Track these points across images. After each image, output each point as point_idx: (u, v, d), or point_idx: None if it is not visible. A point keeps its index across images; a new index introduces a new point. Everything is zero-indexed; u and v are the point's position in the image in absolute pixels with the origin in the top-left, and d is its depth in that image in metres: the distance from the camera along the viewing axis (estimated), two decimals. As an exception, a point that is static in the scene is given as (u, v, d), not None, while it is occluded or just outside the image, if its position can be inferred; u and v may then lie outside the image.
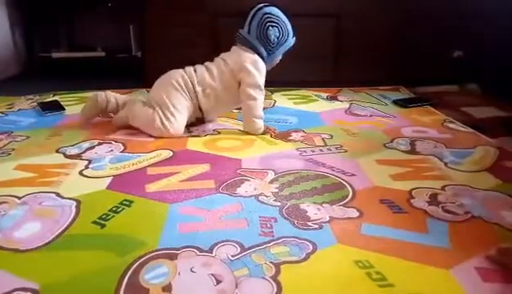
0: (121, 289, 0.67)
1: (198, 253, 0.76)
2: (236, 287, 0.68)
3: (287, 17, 1.42)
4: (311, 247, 0.78)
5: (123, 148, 1.27)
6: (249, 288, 0.68)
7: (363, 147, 1.29)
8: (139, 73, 2.06)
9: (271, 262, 0.74)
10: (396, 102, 1.79)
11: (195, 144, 1.32)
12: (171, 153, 1.23)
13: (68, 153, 1.23)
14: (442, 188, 1.03)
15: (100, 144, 1.30)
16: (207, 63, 1.44)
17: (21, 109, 1.68)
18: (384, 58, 2.05)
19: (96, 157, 1.20)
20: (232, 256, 0.75)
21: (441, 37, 2.02)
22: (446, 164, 1.17)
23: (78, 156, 1.21)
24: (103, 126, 1.44)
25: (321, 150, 1.26)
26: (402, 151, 1.26)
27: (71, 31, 2.57)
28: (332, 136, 1.38)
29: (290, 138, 1.37)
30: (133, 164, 1.15)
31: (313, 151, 1.25)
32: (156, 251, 0.77)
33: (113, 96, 1.47)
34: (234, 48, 1.44)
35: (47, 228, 0.85)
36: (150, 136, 1.36)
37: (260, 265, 0.73)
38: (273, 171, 1.11)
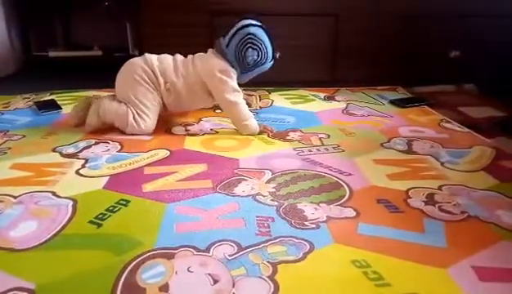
0: (118, 289, 0.67)
1: (195, 253, 0.76)
2: (233, 286, 0.68)
3: (271, 39, 1.38)
4: (308, 247, 0.78)
5: (119, 147, 1.27)
6: (246, 288, 0.67)
7: (360, 147, 1.29)
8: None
9: (268, 262, 0.74)
10: (393, 102, 1.80)
11: (192, 143, 1.31)
12: (168, 153, 1.23)
13: (64, 152, 1.23)
14: (439, 187, 1.03)
15: (96, 143, 1.30)
16: (178, 56, 1.41)
17: (17, 108, 1.67)
18: (382, 58, 2.05)
19: (93, 156, 1.20)
20: (229, 256, 0.75)
21: (438, 38, 2.03)
22: (442, 164, 1.17)
23: (74, 155, 1.20)
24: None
25: (318, 150, 1.26)
26: (399, 151, 1.27)
27: (68, 30, 2.55)
28: (329, 136, 1.38)
29: (288, 138, 1.36)
30: (130, 164, 1.15)
31: (310, 151, 1.26)
32: (153, 250, 0.77)
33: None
34: (210, 51, 1.41)
35: (43, 227, 0.84)
36: (147, 135, 1.35)
37: (257, 265, 0.73)
38: (270, 170, 1.11)
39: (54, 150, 1.24)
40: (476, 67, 2.01)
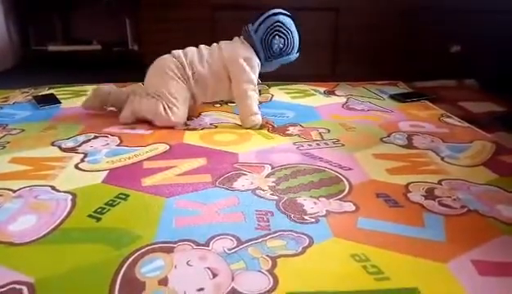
0: (117, 283, 0.67)
1: (194, 247, 0.76)
2: (233, 280, 0.68)
3: (299, 31, 1.41)
4: (307, 241, 0.78)
5: (119, 141, 1.26)
6: (246, 282, 0.67)
7: (360, 141, 1.29)
8: (135, 67, 2.05)
9: (267, 256, 0.74)
10: (393, 97, 1.79)
11: (191, 137, 1.31)
12: (167, 147, 1.23)
13: (63, 146, 1.22)
14: (439, 182, 1.03)
15: (96, 137, 1.29)
16: (202, 46, 1.42)
17: (16, 102, 1.66)
18: (382, 52, 2.04)
19: (92, 150, 1.20)
20: (229, 250, 0.75)
21: (439, 32, 2.02)
22: (442, 158, 1.17)
23: (73, 149, 1.20)
24: (99, 120, 1.43)
25: (318, 144, 1.26)
26: (399, 145, 1.26)
27: (67, 24, 2.54)
28: (329, 131, 1.38)
29: (287, 132, 1.36)
30: (129, 158, 1.15)
31: (310, 145, 1.25)
32: (152, 244, 0.77)
33: (114, 89, 1.48)
34: (236, 39, 1.43)
35: (42, 221, 0.84)
36: (147, 130, 1.35)
37: (256, 259, 0.73)
38: (270, 165, 1.11)
39: (53, 144, 1.24)
40: (477, 62, 2.00)
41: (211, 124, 1.44)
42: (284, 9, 1.40)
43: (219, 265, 0.71)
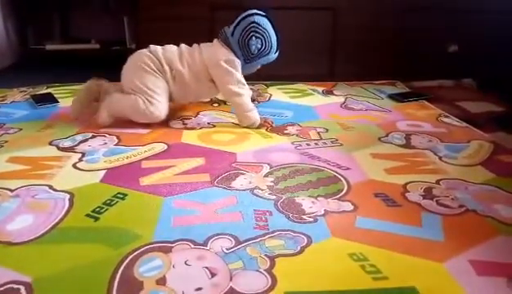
0: (115, 282, 0.67)
1: (192, 246, 0.76)
2: (231, 279, 0.68)
3: (276, 31, 1.38)
4: (306, 241, 0.78)
5: (117, 141, 1.26)
6: (244, 281, 0.67)
7: (358, 141, 1.29)
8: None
9: (266, 255, 0.74)
10: (391, 96, 1.79)
11: (189, 137, 1.31)
12: (165, 147, 1.22)
13: (61, 145, 1.22)
14: (437, 182, 1.03)
15: (93, 136, 1.29)
16: (183, 45, 1.41)
17: (14, 102, 1.66)
18: (381, 52, 2.04)
19: (90, 149, 1.19)
20: (227, 249, 0.75)
21: (437, 32, 2.02)
22: (440, 158, 1.17)
23: (71, 149, 1.20)
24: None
25: (316, 144, 1.26)
26: (397, 145, 1.26)
27: (65, 23, 2.53)
28: (327, 130, 1.38)
29: (286, 132, 1.36)
30: (127, 157, 1.15)
31: (308, 145, 1.25)
32: (150, 244, 0.77)
33: (104, 81, 1.46)
34: (215, 41, 1.41)
35: (39, 221, 0.84)
36: (145, 129, 1.35)
37: (255, 258, 0.73)
38: (268, 164, 1.11)
39: (51, 144, 1.23)
40: (475, 62, 2.00)
41: (209, 123, 1.44)
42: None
43: (217, 264, 0.71)
